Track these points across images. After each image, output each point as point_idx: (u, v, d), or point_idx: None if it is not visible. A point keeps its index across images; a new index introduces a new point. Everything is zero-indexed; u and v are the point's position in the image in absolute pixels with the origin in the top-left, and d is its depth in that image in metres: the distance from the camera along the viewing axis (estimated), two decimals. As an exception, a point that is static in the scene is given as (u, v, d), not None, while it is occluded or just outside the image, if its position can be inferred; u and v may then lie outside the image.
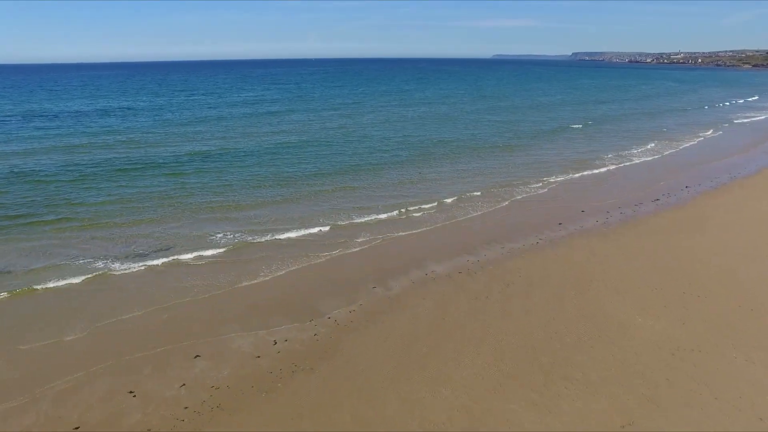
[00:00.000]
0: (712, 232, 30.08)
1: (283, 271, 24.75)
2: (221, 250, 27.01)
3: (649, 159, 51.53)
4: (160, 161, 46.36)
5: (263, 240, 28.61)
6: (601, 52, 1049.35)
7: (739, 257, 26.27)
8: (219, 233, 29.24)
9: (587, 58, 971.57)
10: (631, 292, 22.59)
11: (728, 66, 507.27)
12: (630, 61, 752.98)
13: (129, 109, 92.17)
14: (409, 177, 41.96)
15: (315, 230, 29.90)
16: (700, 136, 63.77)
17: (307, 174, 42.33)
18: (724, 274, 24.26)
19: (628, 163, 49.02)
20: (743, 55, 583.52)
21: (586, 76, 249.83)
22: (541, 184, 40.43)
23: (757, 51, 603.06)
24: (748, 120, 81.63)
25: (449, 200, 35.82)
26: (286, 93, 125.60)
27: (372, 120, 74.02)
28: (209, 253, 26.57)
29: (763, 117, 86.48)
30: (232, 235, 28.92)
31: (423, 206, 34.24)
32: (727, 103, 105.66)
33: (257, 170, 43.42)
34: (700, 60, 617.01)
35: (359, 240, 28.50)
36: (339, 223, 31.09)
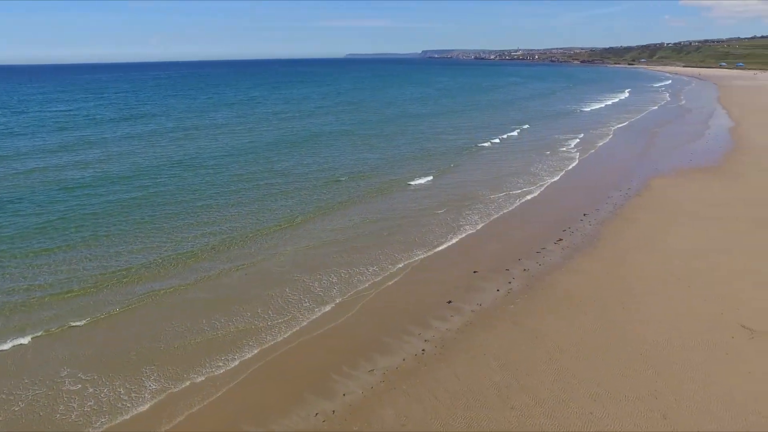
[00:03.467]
0: (643, 296, 22.22)
1: None
2: None
3: (537, 182, 44.41)
4: None
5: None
6: (449, 50, 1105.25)
7: (705, 345, 18.34)
8: None
9: (437, 56, 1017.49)
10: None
11: (561, 62, 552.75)
12: (476, 58, 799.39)
13: None
14: (241, 258, 26.59)
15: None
16: (591, 146, 58.10)
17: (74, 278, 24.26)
18: (700, 392, 15.92)
19: (515, 194, 40.54)
20: (572, 52, 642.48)
21: (442, 74, 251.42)
22: (416, 245, 30.11)
23: (582, 48, 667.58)
24: (627, 122, 79.07)
25: (269, 306, 21.75)
26: (110, 107, 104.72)
27: (207, 145, 59.85)
28: None
29: (639, 117, 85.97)
30: None
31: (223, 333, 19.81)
32: (599, 105, 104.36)
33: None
34: (537, 56, 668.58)
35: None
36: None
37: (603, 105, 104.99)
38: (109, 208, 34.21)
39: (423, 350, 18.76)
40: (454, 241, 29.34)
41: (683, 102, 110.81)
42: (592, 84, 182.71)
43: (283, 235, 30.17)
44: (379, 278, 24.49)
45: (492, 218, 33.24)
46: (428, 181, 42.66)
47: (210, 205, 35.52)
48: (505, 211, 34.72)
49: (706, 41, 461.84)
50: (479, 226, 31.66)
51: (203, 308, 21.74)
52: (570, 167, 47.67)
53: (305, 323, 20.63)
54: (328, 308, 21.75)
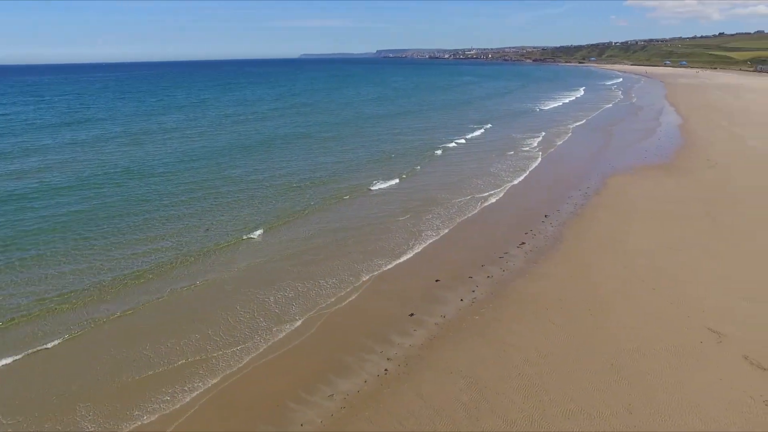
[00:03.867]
0: (610, 300, 21.76)
1: None
2: None
3: (500, 184, 43.94)
4: None
5: None
6: (404, 50, 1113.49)
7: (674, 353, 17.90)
8: None
9: (391, 56, 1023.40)
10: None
11: (514, 61, 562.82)
12: (430, 57, 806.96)
13: None
14: (191, 276, 24.93)
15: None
16: (551, 145, 57.96)
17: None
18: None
19: (478, 197, 40.08)
20: (524, 51, 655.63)
21: (397, 74, 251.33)
22: (377, 254, 29.55)
23: (534, 47, 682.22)
24: (584, 120, 79.74)
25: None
26: (51, 111, 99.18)
27: (156, 151, 57.00)
28: None
29: (595, 114, 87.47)
30: None
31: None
32: (556, 104, 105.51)
33: None
34: (490, 55, 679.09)
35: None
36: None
37: (560, 103, 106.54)
38: (45, 224, 31.68)
39: (386, 370, 17.69)
40: (416, 248, 28.32)
41: (634, 100, 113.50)
42: (548, 82, 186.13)
43: (237, 248, 28.53)
44: (340, 292, 23.25)
45: (455, 223, 32.38)
46: (390, 185, 41.35)
47: (158, 218, 33.35)
48: (467, 216, 33.88)
49: (651, 40, 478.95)
50: (442, 232, 30.75)
51: (150, 335, 20.03)
52: (532, 167, 47.35)
53: (260, 345, 19.24)
54: (285, 328, 20.40)
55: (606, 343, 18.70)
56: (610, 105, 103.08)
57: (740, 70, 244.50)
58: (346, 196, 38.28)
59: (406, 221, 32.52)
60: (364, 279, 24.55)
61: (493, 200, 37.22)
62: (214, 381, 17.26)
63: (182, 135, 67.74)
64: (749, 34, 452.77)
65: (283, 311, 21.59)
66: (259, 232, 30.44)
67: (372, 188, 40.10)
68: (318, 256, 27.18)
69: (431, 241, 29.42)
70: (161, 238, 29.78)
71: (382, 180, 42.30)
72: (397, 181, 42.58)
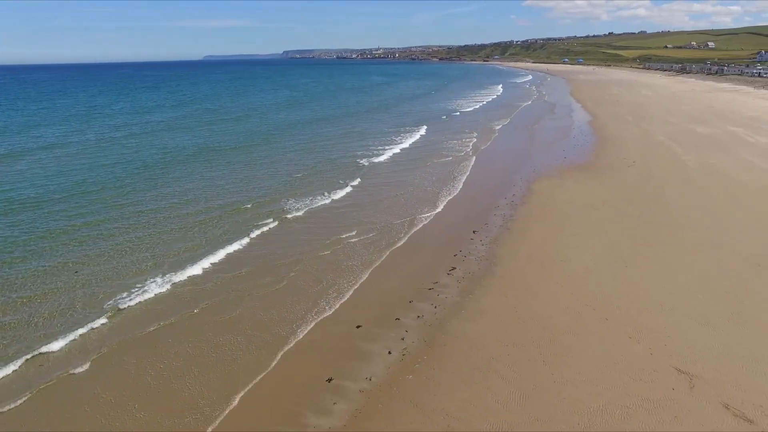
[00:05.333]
0: (563, 341, 18.63)
1: None
2: None
3: (432, 199, 40.47)
4: None
5: None
6: (311, 50, 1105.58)
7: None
8: None
9: (298, 56, 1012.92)
10: None
11: (422, 60, 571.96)
12: (338, 57, 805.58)
13: None
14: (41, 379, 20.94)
15: None
16: (477, 150, 55.24)
17: None
18: None
19: (407, 216, 36.42)
20: (430, 50, 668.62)
21: (305, 75, 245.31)
22: (294, 301, 25.06)
23: (440, 46, 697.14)
24: (508, 120, 78.38)
25: None
26: None
27: (27, 172, 48.93)
28: None
29: (517, 112, 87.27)
30: None
31: None
32: (479, 103, 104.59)
33: None
34: (397, 55, 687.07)
35: None
36: None
37: (484, 102, 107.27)
38: None
39: None
40: (339, 290, 23.53)
41: (547, 97, 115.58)
42: (462, 81, 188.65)
43: (119, 312, 22.62)
44: (248, 361, 18.35)
45: (383, 251, 27.70)
46: (311, 209, 35.22)
47: (17, 273, 25.62)
48: (398, 243, 28.89)
49: (549, 39, 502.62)
50: (370, 264, 26.14)
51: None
52: (466, 176, 43.59)
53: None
54: (176, 422, 15.44)
55: (569, 403, 15.39)
56: (529, 102, 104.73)
57: (631, 67, 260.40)
58: (256, 227, 31.54)
59: (330, 256, 27.18)
60: (281, 336, 19.82)
61: (426, 221, 32.56)
62: None
63: (65, 152, 58.30)
64: (634, 33, 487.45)
65: (174, 399, 16.50)
66: (148, 284, 23.99)
67: (289, 215, 33.91)
68: (224, 314, 21.62)
69: (354, 274, 24.90)
70: (14, 306, 22.48)
71: (302, 201, 36.56)
72: (318, 202, 36.67)
